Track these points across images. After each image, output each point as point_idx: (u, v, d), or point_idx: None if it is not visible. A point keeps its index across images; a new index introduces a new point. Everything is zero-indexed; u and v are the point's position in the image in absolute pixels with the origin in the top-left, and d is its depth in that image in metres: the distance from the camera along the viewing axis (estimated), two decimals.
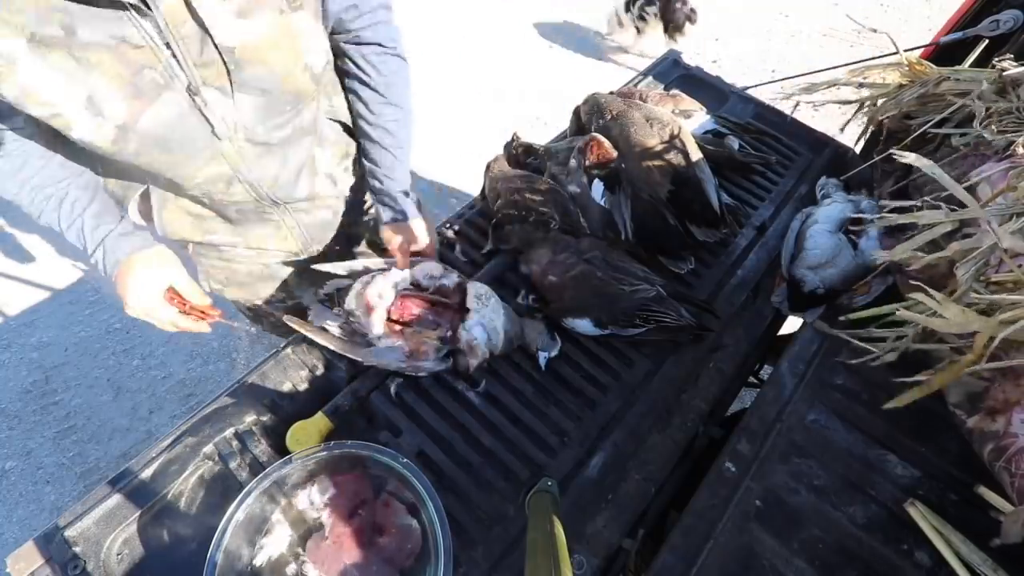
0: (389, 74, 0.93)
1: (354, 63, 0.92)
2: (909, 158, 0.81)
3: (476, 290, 0.90)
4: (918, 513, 0.73)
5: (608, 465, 0.82)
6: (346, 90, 0.96)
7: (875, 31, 1.23)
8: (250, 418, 0.84)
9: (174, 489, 0.78)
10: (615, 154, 1.07)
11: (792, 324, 1.11)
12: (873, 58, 1.22)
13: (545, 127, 2.92)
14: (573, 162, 1.07)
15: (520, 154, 1.19)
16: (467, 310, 0.88)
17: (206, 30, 0.67)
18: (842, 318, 0.92)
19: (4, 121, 0.74)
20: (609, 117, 1.14)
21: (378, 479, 0.78)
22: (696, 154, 1.08)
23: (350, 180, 1.08)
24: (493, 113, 2.98)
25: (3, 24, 0.60)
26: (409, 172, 1.00)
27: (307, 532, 0.75)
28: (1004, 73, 0.97)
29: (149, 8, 0.63)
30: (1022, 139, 0.89)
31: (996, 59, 1.02)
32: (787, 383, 0.89)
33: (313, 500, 0.76)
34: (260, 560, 0.72)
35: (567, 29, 3.48)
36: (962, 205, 0.80)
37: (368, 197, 1.15)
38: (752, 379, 1.29)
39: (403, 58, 0.95)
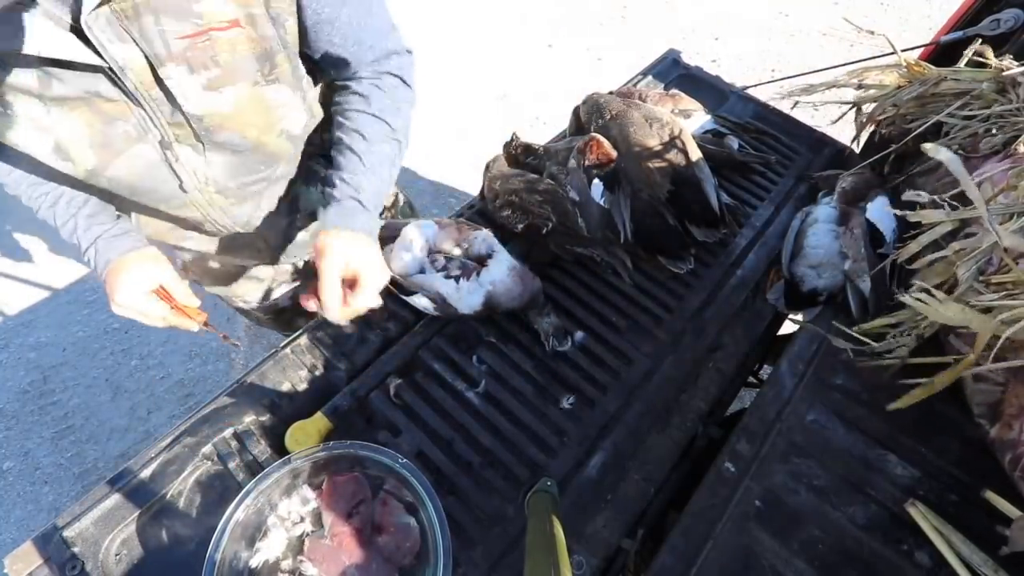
0: (386, 88, 0.84)
1: (346, 82, 0.85)
2: (932, 150, 0.79)
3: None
4: (919, 513, 0.73)
5: (607, 465, 0.82)
6: (336, 95, 0.86)
7: (872, 33, 1.23)
8: (249, 418, 0.84)
9: (173, 489, 0.77)
10: (615, 154, 1.06)
11: (792, 324, 1.12)
12: (871, 58, 1.22)
13: (544, 127, 2.92)
14: (572, 162, 1.06)
15: (519, 154, 1.19)
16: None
17: (173, 99, 0.68)
18: (855, 329, 0.92)
19: None
20: (608, 117, 1.14)
21: (377, 479, 0.78)
22: (696, 154, 1.08)
23: None
24: (492, 113, 2.98)
25: None
26: (379, 195, 0.82)
27: (306, 532, 0.75)
28: (1004, 73, 0.97)
29: (117, 76, 0.64)
30: (1022, 139, 0.89)
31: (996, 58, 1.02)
32: (787, 383, 0.89)
33: (312, 500, 0.76)
34: (259, 560, 0.72)
35: (566, 29, 3.48)
36: (963, 205, 0.80)
37: None
38: (752, 379, 1.29)
39: (404, 81, 0.86)
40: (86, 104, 0.66)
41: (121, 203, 0.83)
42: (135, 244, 0.82)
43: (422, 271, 0.93)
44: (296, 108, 0.81)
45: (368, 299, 0.76)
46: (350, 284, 0.76)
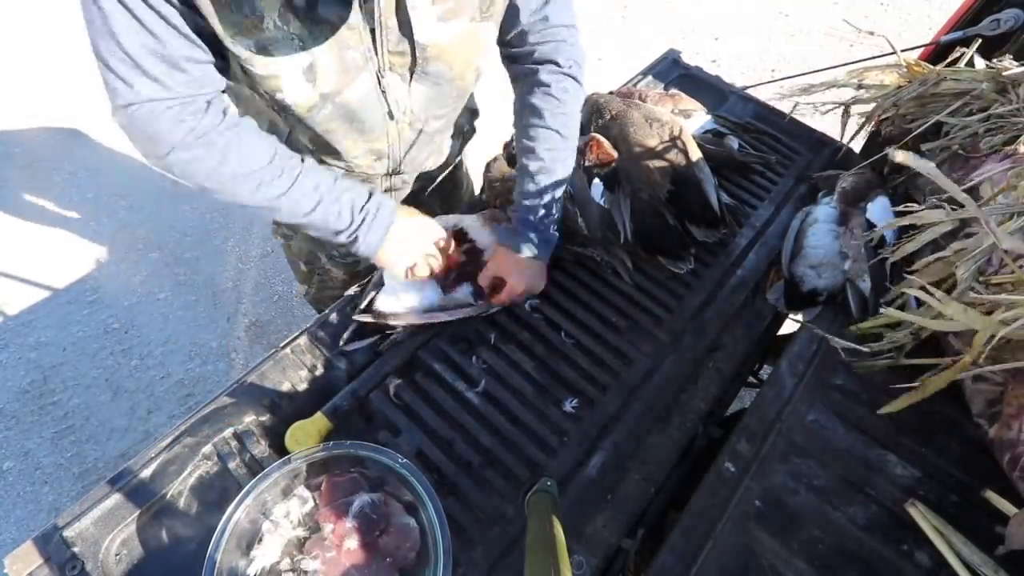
0: (558, 94, 0.90)
1: (525, 79, 0.92)
2: (905, 158, 0.81)
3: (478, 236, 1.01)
4: (919, 513, 0.73)
5: (607, 465, 0.82)
6: (515, 101, 0.96)
7: (872, 34, 1.23)
8: (249, 418, 0.84)
9: (173, 489, 0.77)
10: (615, 154, 1.06)
11: (792, 324, 1.11)
12: (871, 58, 1.22)
13: None
14: None
15: None
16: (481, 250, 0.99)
17: (408, 28, 0.73)
18: (853, 328, 0.92)
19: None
20: (608, 117, 1.14)
21: (377, 479, 0.78)
22: (696, 154, 1.08)
23: (455, 163, 1.16)
24: (492, 113, 2.97)
25: None
26: (552, 206, 0.93)
27: (306, 532, 0.75)
28: (1004, 73, 0.97)
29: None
30: (1022, 139, 0.89)
31: (996, 59, 1.02)
32: (787, 383, 0.89)
33: (312, 500, 0.76)
34: (259, 560, 0.72)
35: None
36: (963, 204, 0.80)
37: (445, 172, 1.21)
38: (752, 379, 1.29)
39: (578, 81, 0.93)
40: (333, 30, 0.69)
41: (323, 137, 0.84)
42: (396, 204, 0.87)
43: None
44: (491, 48, 0.87)
45: (504, 298, 0.93)
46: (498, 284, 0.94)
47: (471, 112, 1.14)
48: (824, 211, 1.07)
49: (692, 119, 1.26)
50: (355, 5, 0.68)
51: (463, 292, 0.95)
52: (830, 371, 0.90)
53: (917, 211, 0.87)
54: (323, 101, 0.76)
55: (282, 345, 0.93)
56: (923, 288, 0.75)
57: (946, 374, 0.76)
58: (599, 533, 0.77)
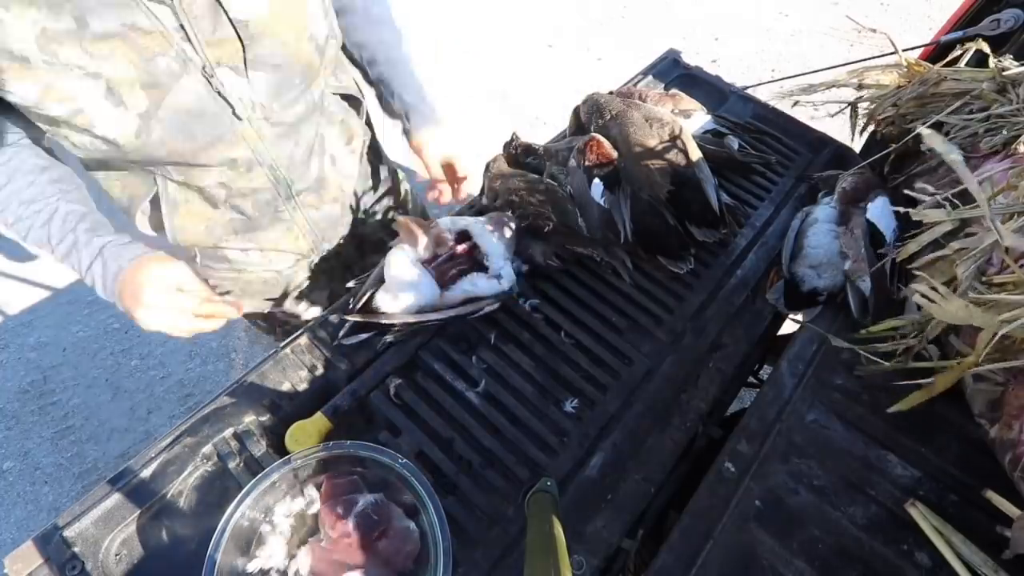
0: None
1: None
2: (931, 139, 0.79)
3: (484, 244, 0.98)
4: (919, 513, 0.73)
5: (607, 465, 0.82)
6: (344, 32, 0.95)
7: (874, 31, 1.23)
8: (249, 418, 0.84)
9: (173, 489, 0.78)
10: (615, 154, 1.06)
11: (792, 324, 1.12)
12: (871, 58, 1.22)
13: (545, 127, 2.92)
14: (572, 162, 1.06)
15: (519, 154, 1.19)
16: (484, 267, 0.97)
17: (217, 7, 0.67)
18: (863, 332, 0.92)
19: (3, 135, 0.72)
20: (608, 117, 1.14)
21: (376, 482, 0.78)
22: (696, 154, 1.08)
23: (356, 165, 1.08)
24: (492, 113, 2.98)
25: (15, 20, 0.59)
26: (426, 81, 0.95)
27: (304, 535, 0.75)
28: (1004, 72, 0.97)
29: None
30: (1022, 139, 0.89)
31: (996, 58, 1.02)
32: (787, 383, 0.89)
33: (310, 503, 0.76)
34: (259, 560, 0.71)
35: (566, 29, 3.48)
36: (964, 203, 0.80)
37: (378, 191, 1.18)
38: (752, 379, 1.29)
39: None
40: (125, 42, 0.64)
41: (174, 161, 0.79)
42: (146, 250, 0.81)
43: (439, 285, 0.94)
44: (317, 6, 0.82)
45: (473, 185, 0.94)
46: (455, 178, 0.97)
47: (348, 99, 1.03)
48: (824, 211, 1.07)
49: (692, 119, 1.26)
50: (143, 9, 0.63)
51: (460, 290, 0.95)
52: (830, 371, 0.90)
53: (918, 210, 0.87)
54: (146, 121, 0.70)
55: (282, 345, 0.93)
56: (927, 282, 0.75)
57: (952, 372, 0.76)
58: (599, 533, 0.77)
